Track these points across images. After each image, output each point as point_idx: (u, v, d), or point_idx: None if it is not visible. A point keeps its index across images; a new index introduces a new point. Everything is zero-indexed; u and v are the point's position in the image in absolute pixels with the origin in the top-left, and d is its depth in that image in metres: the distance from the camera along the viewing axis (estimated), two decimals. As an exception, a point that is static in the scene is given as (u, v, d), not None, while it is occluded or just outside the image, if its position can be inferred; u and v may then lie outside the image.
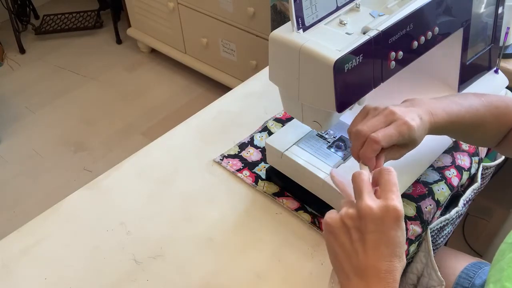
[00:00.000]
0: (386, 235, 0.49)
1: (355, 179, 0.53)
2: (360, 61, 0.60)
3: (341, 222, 0.51)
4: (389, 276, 0.49)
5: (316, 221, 0.76)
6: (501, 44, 0.88)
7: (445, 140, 0.82)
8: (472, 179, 0.86)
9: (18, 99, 2.40)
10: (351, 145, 0.62)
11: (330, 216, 0.53)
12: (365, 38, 0.60)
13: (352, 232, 0.51)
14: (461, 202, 0.81)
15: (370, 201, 0.50)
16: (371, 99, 0.70)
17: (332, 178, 0.61)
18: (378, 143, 0.57)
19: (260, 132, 0.91)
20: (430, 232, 0.77)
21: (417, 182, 0.79)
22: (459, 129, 0.66)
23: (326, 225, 0.53)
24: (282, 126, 0.89)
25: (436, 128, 0.62)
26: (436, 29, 0.68)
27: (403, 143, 0.60)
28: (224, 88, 2.12)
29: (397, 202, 0.50)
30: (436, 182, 0.79)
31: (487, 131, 0.69)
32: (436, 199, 0.77)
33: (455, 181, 0.80)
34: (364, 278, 0.49)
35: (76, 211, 0.79)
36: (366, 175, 0.54)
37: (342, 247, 0.51)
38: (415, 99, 0.64)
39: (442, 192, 0.78)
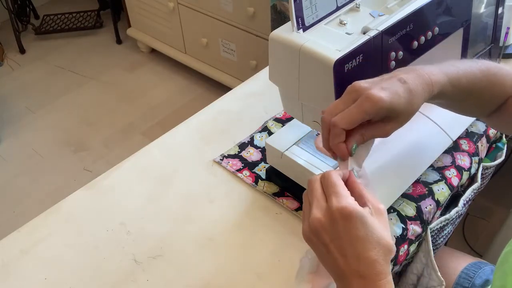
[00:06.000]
0: (346, 237, 0.48)
1: (308, 189, 0.53)
2: (360, 61, 0.60)
3: (307, 238, 0.52)
4: (371, 271, 0.48)
5: (316, 221, 0.76)
6: (501, 44, 0.88)
7: (445, 140, 0.82)
8: (472, 179, 0.86)
9: (18, 99, 2.40)
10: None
11: (302, 232, 0.53)
12: (365, 38, 0.60)
13: (318, 245, 0.51)
14: (461, 202, 0.81)
15: (317, 213, 0.50)
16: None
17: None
18: (336, 126, 0.52)
19: (260, 132, 0.91)
20: (430, 232, 0.77)
21: (417, 182, 0.79)
22: (455, 94, 0.60)
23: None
24: (282, 126, 0.89)
25: (436, 91, 0.57)
26: (436, 29, 0.68)
27: (384, 117, 0.53)
28: (224, 88, 2.12)
29: (337, 202, 0.49)
30: (436, 182, 0.79)
31: (481, 99, 0.65)
32: (436, 199, 0.77)
33: (455, 181, 0.80)
34: (347, 281, 0.49)
35: (76, 211, 0.79)
36: (317, 181, 0.52)
37: (320, 257, 0.52)
38: (407, 67, 0.58)
39: (442, 192, 0.78)
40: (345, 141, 0.53)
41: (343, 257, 0.49)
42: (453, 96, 0.60)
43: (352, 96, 0.53)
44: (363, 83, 0.53)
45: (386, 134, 0.55)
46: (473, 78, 0.61)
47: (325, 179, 0.52)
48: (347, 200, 0.49)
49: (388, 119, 0.54)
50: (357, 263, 0.48)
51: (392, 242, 0.49)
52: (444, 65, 0.60)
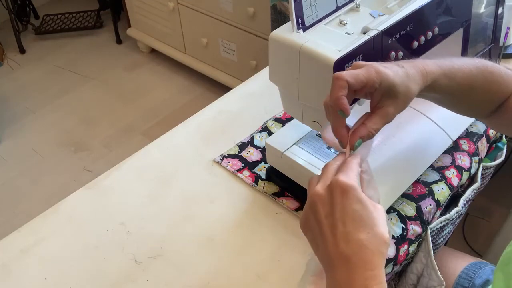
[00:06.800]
0: (340, 213, 0.47)
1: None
2: (360, 61, 0.60)
3: (304, 220, 0.51)
4: (358, 257, 0.45)
5: (316, 221, 0.76)
6: (501, 44, 0.88)
7: (445, 140, 0.82)
8: (472, 179, 0.86)
9: (18, 99, 2.40)
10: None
11: (300, 217, 0.53)
12: (365, 38, 0.60)
13: (313, 227, 0.50)
14: (461, 202, 0.81)
15: (319, 188, 0.50)
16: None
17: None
18: (341, 78, 0.51)
19: (260, 132, 0.91)
20: (430, 232, 0.77)
21: (417, 182, 0.79)
22: (450, 87, 0.61)
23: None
24: (282, 126, 0.89)
25: (430, 81, 0.57)
26: (436, 29, 0.68)
27: (384, 94, 0.54)
28: (224, 88, 2.12)
29: (342, 177, 0.48)
30: (436, 182, 0.79)
31: (478, 97, 0.65)
32: (436, 199, 0.77)
33: (455, 181, 0.80)
34: (334, 268, 0.47)
35: (76, 211, 0.79)
36: (332, 165, 0.53)
37: (312, 242, 0.51)
38: (403, 60, 0.60)
39: (442, 192, 0.78)
40: (350, 135, 0.54)
41: (333, 237, 0.47)
42: (448, 89, 0.61)
43: (355, 67, 0.54)
44: (364, 62, 0.55)
45: (389, 118, 0.55)
46: (469, 73, 0.62)
47: (348, 158, 0.52)
48: (352, 178, 0.48)
49: (388, 100, 0.54)
50: (345, 244, 0.46)
51: (388, 236, 0.47)
52: (440, 60, 0.61)
